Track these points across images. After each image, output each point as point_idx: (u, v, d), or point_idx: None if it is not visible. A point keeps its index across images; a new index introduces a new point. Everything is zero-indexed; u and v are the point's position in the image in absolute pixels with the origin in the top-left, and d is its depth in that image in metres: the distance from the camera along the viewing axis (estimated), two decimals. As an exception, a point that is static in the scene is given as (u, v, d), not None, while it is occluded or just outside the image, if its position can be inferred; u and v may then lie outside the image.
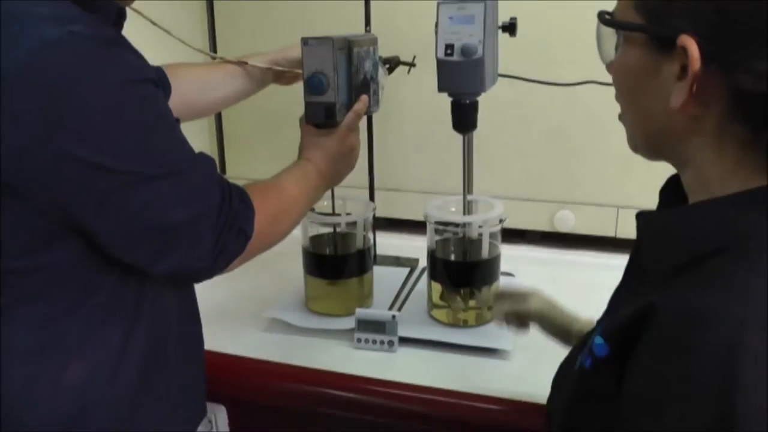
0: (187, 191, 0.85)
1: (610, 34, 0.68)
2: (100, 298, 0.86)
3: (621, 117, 0.72)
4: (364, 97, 1.22)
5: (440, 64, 1.16)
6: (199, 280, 0.95)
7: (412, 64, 1.43)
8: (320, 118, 1.16)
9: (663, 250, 0.64)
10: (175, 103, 1.18)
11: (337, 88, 1.14)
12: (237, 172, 1.99)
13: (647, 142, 0.69)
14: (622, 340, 0.61)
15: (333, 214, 1.42)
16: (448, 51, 1.14)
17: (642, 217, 0.67)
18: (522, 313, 1.08)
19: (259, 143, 1.96)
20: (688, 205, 0.66)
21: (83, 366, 0.85)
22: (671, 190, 0.75)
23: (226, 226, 0.89)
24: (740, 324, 0.52)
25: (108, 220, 0.79)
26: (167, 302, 0.97)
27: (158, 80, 0.85)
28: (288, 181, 1.08)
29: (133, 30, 0.90)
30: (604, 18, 0.67)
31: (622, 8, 0.66)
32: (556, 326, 1.05)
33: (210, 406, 1.15)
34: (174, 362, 0.99)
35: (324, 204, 1.43)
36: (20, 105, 0.71)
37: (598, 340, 0.64)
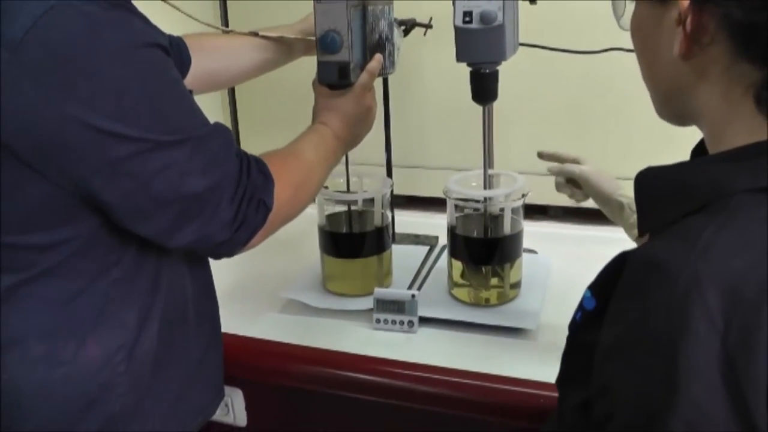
0: (203, 160, 0.83)
1: None
2: (116, 275, 0.85)
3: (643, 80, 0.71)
4: (378, 56, 1.17)
5: (458, 32, 1.11)
6: (222, 254, 0.92)
7: (428, 26, 1.39)
8: (334, 78, 1.12)
9: (654, 209, 0.64)
10: (197, 73, 1.17)
11: (351, 47, 1.10)
12: (251, 150, 1.95)
13: (663, 101, 0.70)
14: (603, 292, 0.61)
15: (348, 191, 1.38)
16: (467, 18, 1.10)
17: (639, 176, 0.66)
18: (569, 174, 1.22)
19: (274, 121, 1.93)
20: (683, 161, 0.65)
21: (100, 344, 0.84)
22: (700, 152, 0.72)
23: (245, 197, 0.87)
24: (697, 277, 0.51)
25: (121, 189, 0.78)
26: (184, 280, 0.97)
27: (170, 48, 0.82)
28: (305, 147, 1.04)
29: (141, 6, 0.87)
30: None
31: None
32: (600, 191, 1.19)
33: (226, 389, 1.12)
34: (191, 339, 0.99)
35: (340, 181, 1.40)
36: (25, 71, 0.70)
37: (587, 293, 0.65)
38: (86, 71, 0.72)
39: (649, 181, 0.65)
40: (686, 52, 0.61)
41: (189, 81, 1.14)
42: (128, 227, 0.82)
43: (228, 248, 0.90)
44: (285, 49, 1.28)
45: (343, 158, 1.36)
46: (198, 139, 0.83)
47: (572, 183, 1.25)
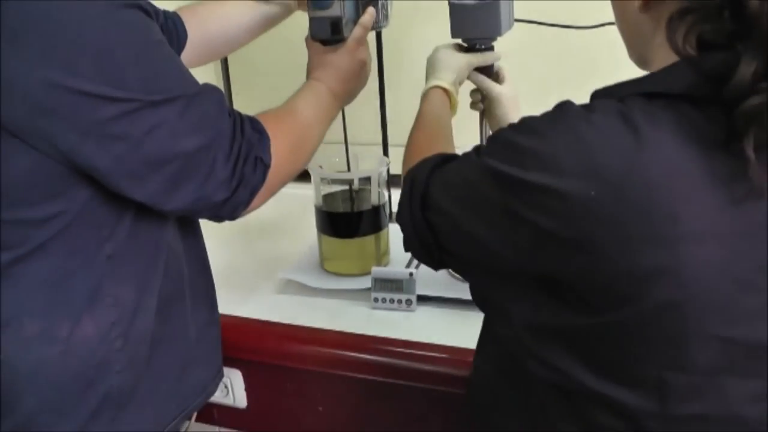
0: (194, 118, 0.82)
1: None
2: (109, 251, 0.84)
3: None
4: (371, 9, 1.15)
5: (453, 8, 1.11)
6: (223, 216, 0.91)
7: None
8: (326, 33, 1.09)
9: None
10: (194, 42, 1.15)
11: (342, 1, 1.07)
12: (245, 112, 1.93)
13: (629, 46, 0.75)
14: None
15: (349, 170, 1.37)
16: (461, -6, 1.08)
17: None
18: (484, 90, 1.19)
19: (267, 83, 1.89)
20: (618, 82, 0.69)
21: (95, 322, 0.84)
22: None
23: (240, 155, 0.86)
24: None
25: (111, 153, 0.77)
26: (180, 259, 0.96)
27: (162, 21, 0.81)
28: (301, 104, 1.03)
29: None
30: None
31: None
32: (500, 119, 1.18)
33: (225, 371, 1.12)
34: (189, 318, 0.98)
35: (336, 161, 1.39)
36: (4, 39, 0.69)
37: None
38: (66, 35, 0.71)
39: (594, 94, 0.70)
40: (644, 5, 0.67)
41: (188, 53, 1.13)
42: (123, 193, 0.81)
43: (229, 210, 0.89)
44: (279, 5, 1.26)
45: (342, 137, 1.35)
46: (188, 98, 0.81)
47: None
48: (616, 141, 0.58)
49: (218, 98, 0.86)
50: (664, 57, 0.65)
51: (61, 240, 0.80)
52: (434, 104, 1.11)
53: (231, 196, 0.87)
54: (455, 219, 0.71)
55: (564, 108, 0.64)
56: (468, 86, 1.22)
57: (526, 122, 0.64)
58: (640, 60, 0.74)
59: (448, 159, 0.78)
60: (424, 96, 1.13)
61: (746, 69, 0.54)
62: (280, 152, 0.92)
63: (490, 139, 0.68)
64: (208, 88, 0.86)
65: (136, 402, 0.90)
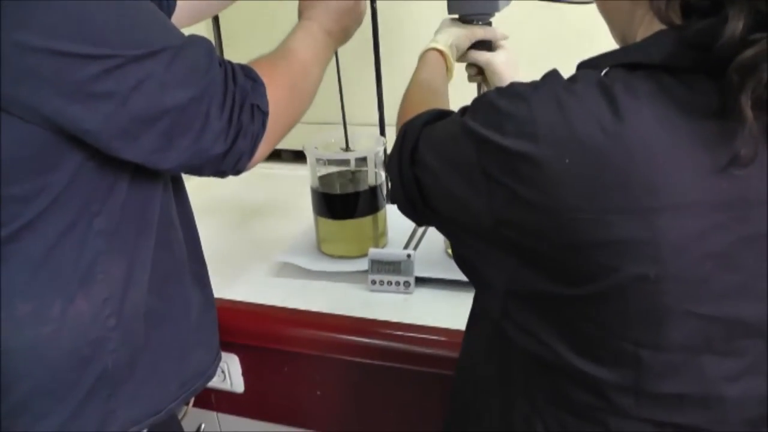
0: (182, 70, 0.79)
1: None
2: (99, 226, 0.83)
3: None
4: None
5: (449, -16, 1.08)
6: (227, 170, 0.88)
7: None
8: None
9: None
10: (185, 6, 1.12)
11: None
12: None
13: (610, 25, 0.75)
14: None
15: (348, 148, 1.35)
16: (457, -31, 1.06)
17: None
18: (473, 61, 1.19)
19: (259, 35, 1.88)
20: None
21: (87, 299, 0.83)
22: None
23: (235, 104, 0.84)
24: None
25: (100, 113, 0.75)
26: (176, 236, 0.95)
27: None
28: (294, 46, 0.99)
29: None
30: None
31: None
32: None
33: (222, 356, 1.11)
34: (189, 300, 0.97)
35: (332, 141, 1.37)
36: None
37: None
38: None
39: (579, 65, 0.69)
40: None
41: (178, 13, 1.10)
42: (117, 154, 0.79)
43: (231, 162, 0.87)
44: None
45: (340, 117, 1.33)
46: (173, 50, 0.79)
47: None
48: (594, 111, 0.58)
49: (206, 48, 0.84)
50: (646, 30, 0.64)
51: (50, 216, 0.79)
52: (429, 64, 1.11)
53: (230, 148, 0.84)
54: (437, 175, 0.71)
55: (549, 76, 0.64)
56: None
57: (512, 86, 0.64)
58: (622, 38, 0.73)
59: (441, 115, 0.78)
60: (420, 57, 1.13)
61: (735, 24, 0.53)
62: (278, 98, 0.89)
63: (475, 100, 0.68)
64: (195, 38, 0.83)
65: (134, 381, 0.89)
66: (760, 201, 0.57)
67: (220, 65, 0.84)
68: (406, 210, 0.81)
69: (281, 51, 0.97)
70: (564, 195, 0.58)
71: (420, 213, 0.78)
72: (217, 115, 0.82)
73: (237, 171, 0.89)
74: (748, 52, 0.53)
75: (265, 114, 0.87)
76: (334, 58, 1.35)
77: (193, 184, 1.86)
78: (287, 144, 1.89)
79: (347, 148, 1.35)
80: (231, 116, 0.83)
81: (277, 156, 1.95)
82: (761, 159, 0.55)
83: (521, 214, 0.61)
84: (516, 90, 0.63)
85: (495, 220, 0.63)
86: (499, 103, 0.63)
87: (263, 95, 0.87)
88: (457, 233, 0.74)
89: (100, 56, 0.72)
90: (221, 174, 0.89)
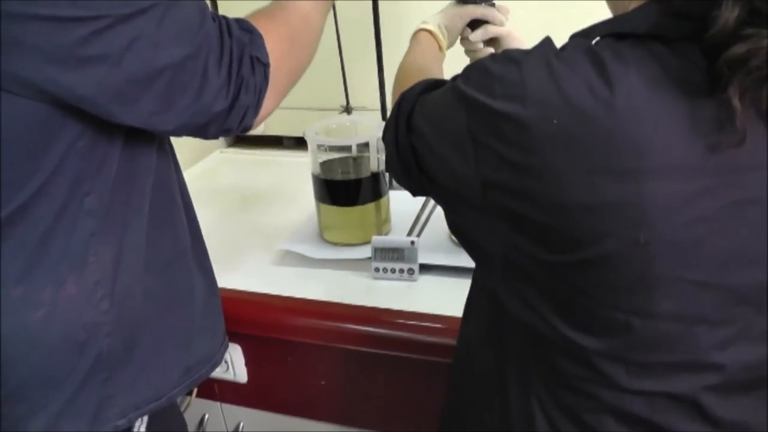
0: (174, 27, 0.77)
1: None
2: (90, 204, 0.81)
3: None
4: None
5: (450, -36, 1.06)
6: (233, 127, 0.86)
7: None
8: None
9: None
10: None
11: None
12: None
13: (611, 4, 0.73)
14: None
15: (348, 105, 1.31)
16: (460, -47, 1.05)
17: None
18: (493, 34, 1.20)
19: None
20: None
21: (77, 283, 0.81)
22: None
23: (234, 58, 0.82)
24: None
25: (93, 77, 0.73)
26: (177, 219, 0.93)
27: None
28: None
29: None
30: None
31: None
32: None
33: (226, 344, 1.10)
34: (195, 284, 0.96)
35: (333, 127, 1.35)
36: None
37: None
38: None
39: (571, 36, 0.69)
40: None
41: None
42: (117, 119, 0.77)
43: (236, 118, 0.85)
44: None
45: (340, 103, 1.30)
46: (163, 6, 0.76)
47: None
48: (583, 75, 0.58)
49: (198, 3, 0.81)
50: (639, 3, 0.64)
51: (42, 199, 0.77)
52: (420, 43, 1.13)
53: (233, 104, 0.83)
54: (430, 141, 0.72)
55: (542, 43, 0.64)
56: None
57: (506, 52, 0.65)
58: (618, 10, 0.73)
59: (436, 84, 0.78)
60: (412, 38, 1.16)
61: (729, 14, 0.53)
62: (278, 48, 0.87)
63: (468, 66, 0.69)
64: None
65: (133, 365, 0.88)
66: (751, 166, 0.57)
67: (214, 20, 0.82)
68: (402, 178, 0.81)
69: (278, 2, 0.95)
70: (551, 157, 0.58)
71: (416, 181, 0.78)
72: (215, 71, 0.80)
73: (244, 128, 0.87)
74: (740, 48, 0.53)
75: (266, 65, 0.85)
76: (336, 45, 1.33)
77: (193, 171, 1.85)
78: (288, 130, 1.89)
79: (347, 106, 1.31)
80: (230, 70, 0.81)
81: (278, 142, 1.94)
82: (752, 126, 0.55)
83: (509, 177, 0.61)
84: (509, 54, 0.64)
85: (483, 185, 0.63)
86: (491, 66, 0.64)
87: (262, 46, 0.85)
88: (451, 202, 0.73)
89: (86, 18, 0.70)
90: (227, 132, 0.87)
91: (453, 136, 0.66)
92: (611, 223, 0.57)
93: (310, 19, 0.96)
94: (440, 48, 1.14)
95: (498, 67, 0.63)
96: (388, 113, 1.49)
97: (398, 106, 0.79)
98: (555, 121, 0.57)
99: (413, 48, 1.12)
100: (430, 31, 1.14)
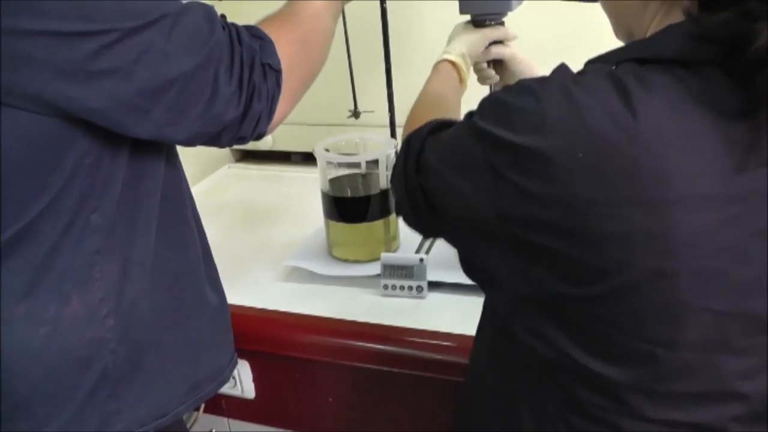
0: (183, 37, 0.77)
1: None
2: (96, 221, 0.81)
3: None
4: None
5: (460, -16, 1.07)
6: (246, 134, 0.86)
7: None
8: None
9: None
10: None
11: None
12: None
13: (616, 23, 0.74)
14: None
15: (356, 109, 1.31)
16: (470, -32, 1.05)
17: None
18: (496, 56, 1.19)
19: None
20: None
21: (83, 299, 0.81)
22: None
23: (244, 65, 0.82)
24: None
25: (103, 90, 0.73)
26: (186, 233, 0.93)
27: None
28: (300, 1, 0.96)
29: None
30: None
31: None
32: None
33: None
34: (205, 300, 0.96)
35: (342, 144, 1.35)
36: None
37: None
38: None
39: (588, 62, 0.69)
40: None
41: None
42: (129, 132, 0.78)
43: (250, 126, 0.85)
44: None
45: (349, 119, 1.30)
46: (172, 17, 0.76)
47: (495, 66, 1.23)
48: (606, 102, 0.57)
49: (207, 12, 0.81)
50: (659, 26, 0.64)
51: (47, 216, 0.77)
52: (440, 75, 1.10)
53: (246, 111, 0.83)
54: (444, 176, 0.70)
55: (558, 70, 0.63)
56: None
57: (520, 83, 0.63)
58: (628, 36, 0.72)
59: (447, 125, 0.77)
60: (433, 68, 1.12)
61: (762, 36, 0.52)
62: (289, 53, 0.87)
63: (483, 100, 0.67)
64: (194, 3, 0.81)
65: (139, 381, 0.88)
66: None
67: (224, 28, 0.82)
68: (412, 220, 0.80)
69: (288, 6, 0.95)
70: (576, 188, 0.57)
71: (425, 222, 0.77)
72: (226, 79, 0.80)
73: (258, 135, 0.87)
74: None
75: (278, 72, 0.85)
76: (346, 59, 1.33)
77: (201, 186, 1.86)
78: (297, 146, 1.90)
79: (356, 110, 1.30)
80: (241, 78, 0.81)
81: (286, 158, 1.94)
82: None
83: (531, 209, 0.60)
84: (524, 85, 0.62)
85: (503, 218, 0.62)
86: (507, 99, 0.62)
87: (273, 53, 0.85)
88: (464, 237, 0.72)
89: (94, 32, 0.70)
90: (242, 140, 0.87)
91: (469, 169, 0.65)
92: (636, 253, 0.56)
93: (321, 22, 0.96)
94: (461, 80, 1.12)
95: (515, 100, 0.62)
96: (397, 129, 1.50)
97: (406, 146, 0.78)
98: (577, 152, 0.57)
99: (432, 81, 1.10)
100: (453, 63, 1.12)
